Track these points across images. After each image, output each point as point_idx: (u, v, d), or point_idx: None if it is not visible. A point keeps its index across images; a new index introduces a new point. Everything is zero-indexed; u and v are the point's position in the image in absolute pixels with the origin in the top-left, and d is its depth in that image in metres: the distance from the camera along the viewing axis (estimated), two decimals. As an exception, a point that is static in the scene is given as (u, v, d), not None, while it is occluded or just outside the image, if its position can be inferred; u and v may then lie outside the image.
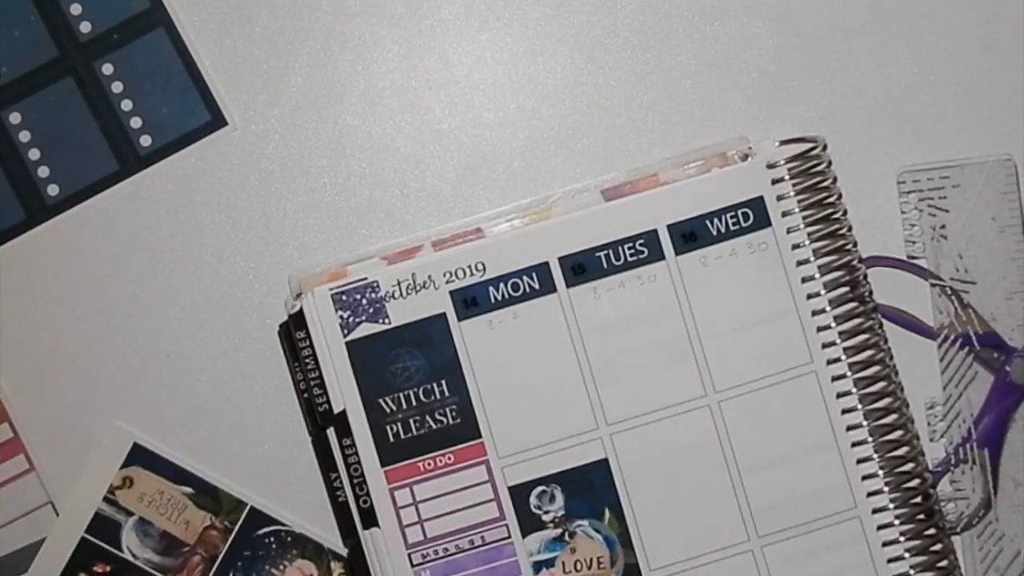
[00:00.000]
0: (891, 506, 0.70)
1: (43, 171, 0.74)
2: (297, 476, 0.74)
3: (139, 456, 0.74)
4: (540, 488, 0.71)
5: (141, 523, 0.74)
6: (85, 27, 0.74)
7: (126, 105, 0.74)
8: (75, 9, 0.74)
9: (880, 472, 0.70)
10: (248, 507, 0.74)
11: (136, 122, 0.74)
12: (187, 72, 0.74)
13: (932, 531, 0.71)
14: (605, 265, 0.71)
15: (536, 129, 0.75)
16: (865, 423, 0.70)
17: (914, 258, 0.74)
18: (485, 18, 0.76)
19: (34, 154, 0.74)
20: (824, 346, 0.71)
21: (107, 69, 0.74)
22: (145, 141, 0.74)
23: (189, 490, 0.74)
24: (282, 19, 0.75)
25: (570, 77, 0.75)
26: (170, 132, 0.75)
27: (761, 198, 0.71)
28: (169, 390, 0.74)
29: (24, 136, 0.74)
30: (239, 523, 0.74)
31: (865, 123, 0.75)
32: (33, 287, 0.75)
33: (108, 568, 0.74)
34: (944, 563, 0.70)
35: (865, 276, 0.72)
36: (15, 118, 0.74)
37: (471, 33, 0.76)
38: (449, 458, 0.71)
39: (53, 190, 0.74)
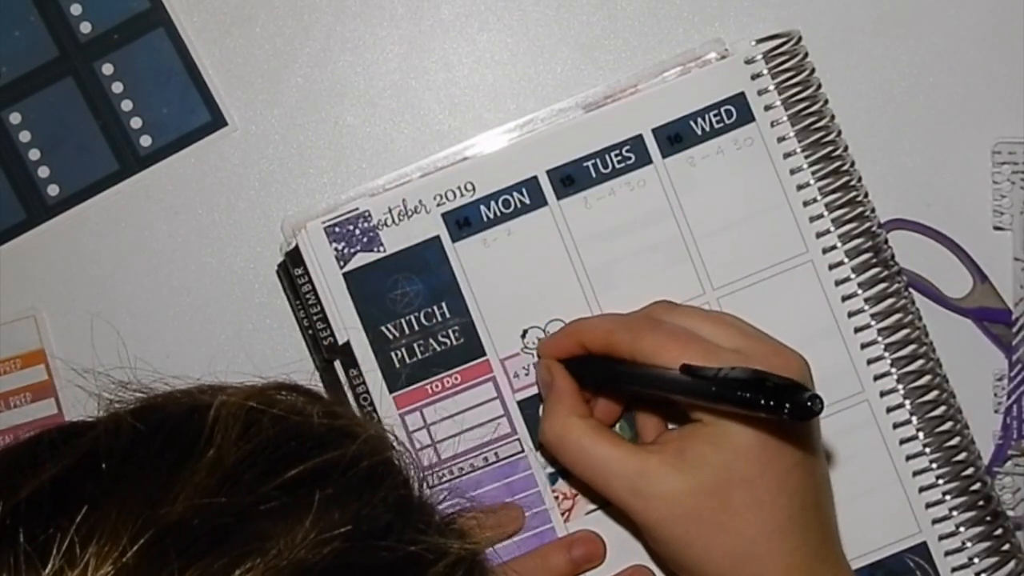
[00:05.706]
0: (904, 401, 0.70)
1: (43, 171, 0.74)
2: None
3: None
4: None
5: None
6: (85, 27, 0.74)
7: (126, 105, 0.74)
8: (75, 9, 0.74)
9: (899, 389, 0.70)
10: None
11: (136, 122, 0.74)
12: (187, 72, 0.74)
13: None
14: (593, 174, 0.71)
15: (536, 127, 0.75)
16: (873, 323, 0.70)
17: (1000, 228, 0.73)
18: (485, 18, 0.75)
19: (34, 154, 0.74)
20: (818, 235, 0.70)
21: (107, 69, 0.74)
22: (145, 141, 0.74)
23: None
24: (282, 19, 0.75)
25: (570, 77, 0.75)
26: (170, 132, 0.74)
27: (743, 94, 0.71)
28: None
29: (24, 136, 0.74)
30: None
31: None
32: (33, 287, 0.74)
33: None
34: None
35: (852, 164, 0.71)
36: (15, 118, 0.74)
37: (471, 33, 0.75)
38: (456, 378, 0.69)
39: (53, 190, 0.74)
